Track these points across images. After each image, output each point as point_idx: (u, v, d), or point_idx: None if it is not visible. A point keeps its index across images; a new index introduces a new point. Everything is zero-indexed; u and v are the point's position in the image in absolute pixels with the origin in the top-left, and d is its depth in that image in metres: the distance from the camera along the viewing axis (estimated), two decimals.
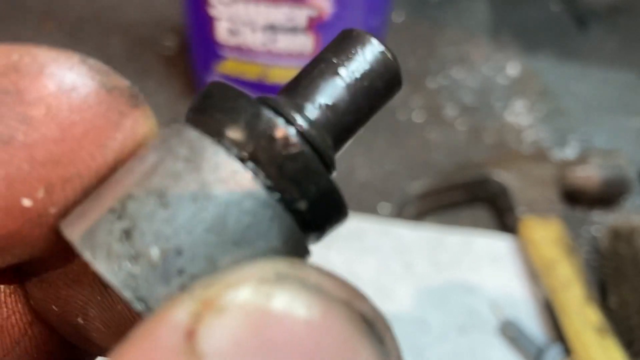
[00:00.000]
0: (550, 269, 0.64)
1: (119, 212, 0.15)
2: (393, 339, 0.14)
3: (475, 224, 0.72)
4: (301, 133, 0.16)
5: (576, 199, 0.73)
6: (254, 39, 0.64)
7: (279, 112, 0.16)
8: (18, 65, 0.15)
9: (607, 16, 0.97)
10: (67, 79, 0.15)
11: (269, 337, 0.12)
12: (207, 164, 0.15)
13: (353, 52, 0.17)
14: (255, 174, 0.15)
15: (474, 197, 0.73)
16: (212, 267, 0.14)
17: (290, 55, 0.64)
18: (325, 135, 0.17)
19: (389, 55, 0.17)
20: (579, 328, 0.60)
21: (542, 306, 0.64)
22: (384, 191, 0.74)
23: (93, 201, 0.15)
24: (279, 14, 0.61)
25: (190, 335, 0.12)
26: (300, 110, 0.16)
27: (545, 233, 0.67)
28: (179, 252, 0.14)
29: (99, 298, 0.19)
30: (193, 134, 0.15)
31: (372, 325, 0.14)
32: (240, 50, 0.66)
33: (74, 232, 0.15)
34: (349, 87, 0.17)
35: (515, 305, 0.65)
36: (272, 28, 0.62)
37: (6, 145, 0.15)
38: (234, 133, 0.15)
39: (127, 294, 0.14)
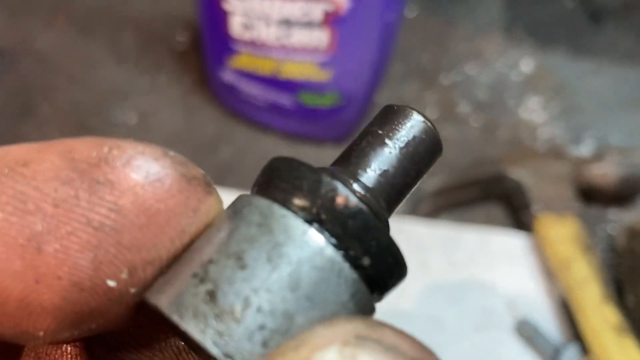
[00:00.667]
0: (567, 267, 0.63)
1: (201, 276, 0.16)
2: None
3: (490, 221, 0.71)
4: (358, 196, 0.17)
5: (592, 196, 0.72)
6: (268, 33, 0.63)
7: (336, 179, 0.17)
8: (108, 157, 0.17)
9: (622, 12, 0.96)
10: (152, 171, 0.17)
11: None
12: (277, 227, 0.16)
13: (396, 123, 0.19)
14: (321, 233, 0.17)
15: (488, 195, 0.72)
16: (289, 322, 0.16)
17: (305, 50, 0.63)
18: (379, 198, 0.18)
19: (429, 124, 0.19)
20: (596, 327, 0.59)
21: (559, 305, 0.64)
22: None
23: (175, 271, 0.17)
24: (295, 8, 0.60)
25: None
26: (355, 177, 0.18)
27: (562, 231, 0.66)
28: (259, 309, 0.16)
29: None
30: (263, 202, 0.17)
31: None
32: (254, 44, 0.65)
33: (160, 300, 0.16)
34: (396, 155, 0.19)
35: (531, 304, 0.64)
36: (287, 22, 0.61)
37: (96, 231, 0.16)
38: (299, 198, 0.17)
39: (214, 351, 0.15)
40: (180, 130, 0.75)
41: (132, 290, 0.17)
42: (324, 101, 0.69)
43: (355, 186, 0.18)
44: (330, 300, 0.16)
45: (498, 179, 0.71)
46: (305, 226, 0.17)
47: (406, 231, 0.68)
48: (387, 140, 0.19)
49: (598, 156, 0.72)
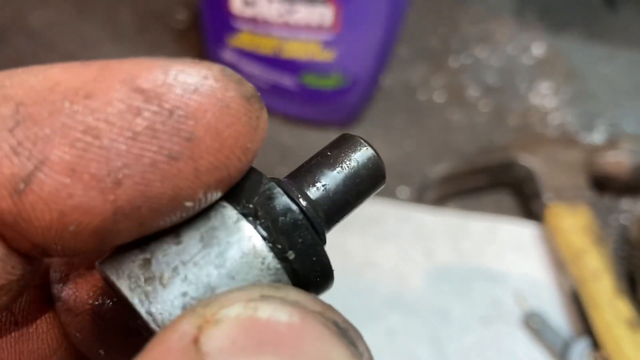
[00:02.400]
0: (578, 259, 0.61)
1: (142, 246, 0.19)
2: (365, 345, 0.17)
3: (499, 210, 0.69)
4: (294, 200, 0.19)
5: (604, 185, 0.70)
6: (270, 10, 0.60)
7: (279, 185, 0.20)
8: (175, 84, 0.17)
9: None
10: (219, 96, 0.17)
11: (258, 335, 0.15)
12: (215, 214, 0.19)
13: (347, 150, 0.21)
14: (253, 225, 0.19)
15: (498, 182, 0.70)
16: (210, 294, 0.18)
17: (308, 28, 0.60)
18: (318, 209, 0.20)
19: (376, 157, 0.21)
20: (609, 321, 0.57)
21: (569, 297, 0.61)
22: (403, 174, 0.70)
23: (124, 244, 0.19)
24: None
25: (195, 341, 0.15)
26: (300, 189, 0.20)
27: (573, 221, 0.64)
28: (184, 279, 0.18)
29: (120, 339, 0.22)
30: None
31: (345, 331, 0.16)
32: (255, 22, 0.62)
33: (105, 264, 0.19)
34: (341, 177, 0.21)
35: (541, 296, 0.62)
36: None
37: (176, 161, 0.17)
38: (239, 194, 0.19)
39: (139, 308, 0.18)
40: None
41: (204, 204, 0.18)
42: (328, 82, 0.66)
43: (296, 194, 0.20)
44: (250, 281, 0.19)
45: (508, 165, 0.68)
46: (239, 216, 0.19)
47: (412, 219, 0.65)
48: (334, 163, 0.21)
49: (611, 144, 0.70)
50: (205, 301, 0.16)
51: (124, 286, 0.18)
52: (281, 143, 0.71)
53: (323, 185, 0.21)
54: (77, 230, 0.17)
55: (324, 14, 0.59)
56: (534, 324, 0.60)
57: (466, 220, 0.66)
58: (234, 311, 0.16)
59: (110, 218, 0.17)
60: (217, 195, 0.18)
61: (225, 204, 0.19)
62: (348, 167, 0.21)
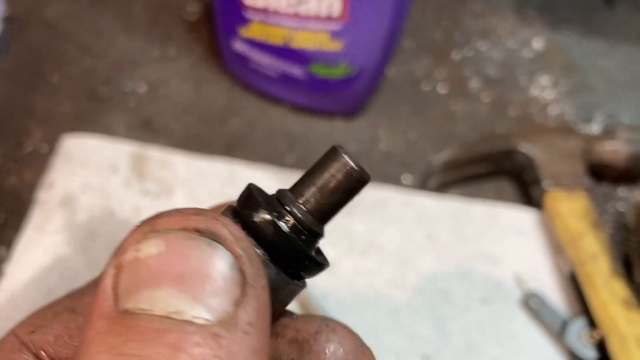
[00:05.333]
0: (576, 242, 0.63)
1: None
2: (230, 230, 0.21)
3: (500, 196, 0.71)
4: (278, 200, 0.27)
5: (602, 173, 0.72)
6: (280, 1, 0.62)
7: (280, 197, 0.28)
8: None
9: None
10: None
11: (140, 276, 0.20)
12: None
13: (331, 165, 0.27)
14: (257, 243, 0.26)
15: (498, 169, 0.72)
16: None
17: (318, 19, 0.63)
18: (307, 215, 0.27)
19: (351, 167, 0.27)
20: (605, 300, 0.59)
21: (567, 279, 0.64)
22: (408, 162, 0.73)
23: None
24: None
25: (115, 287, 0.20)
26: (295, 199, 0.27)
27: (572, 206, 0.66)
28: None
29: None
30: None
31: (205, 232, 0.21)
32: (266, 12, 0.64)
33: None
34: (327, 187, 0.27)
35: (539, 278, 0.64)
36: None
37: None
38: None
39: None
40: (189, 100, 0.74)
41: None
42: (336, 72, 0.68)
43: (293, 201, 0.27)
44: None
45: (508, 153, 0.70)
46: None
47: (415, 204, 0.68)
48: (320, 175, 0.27)
49: (609, 133, 0.72)
50: (116, 248, 0.21)
51: None
52: (289, 131, 0.74)
53: (312, 195, 0.27)
54: None
55: (333, 4, 0.61)
56: (533, 304, 0.62)
57: (468, 206, 0.68)
58: (128, 256, 0.20)
59: None
60: None
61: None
62: (334, 182, 0.27)
